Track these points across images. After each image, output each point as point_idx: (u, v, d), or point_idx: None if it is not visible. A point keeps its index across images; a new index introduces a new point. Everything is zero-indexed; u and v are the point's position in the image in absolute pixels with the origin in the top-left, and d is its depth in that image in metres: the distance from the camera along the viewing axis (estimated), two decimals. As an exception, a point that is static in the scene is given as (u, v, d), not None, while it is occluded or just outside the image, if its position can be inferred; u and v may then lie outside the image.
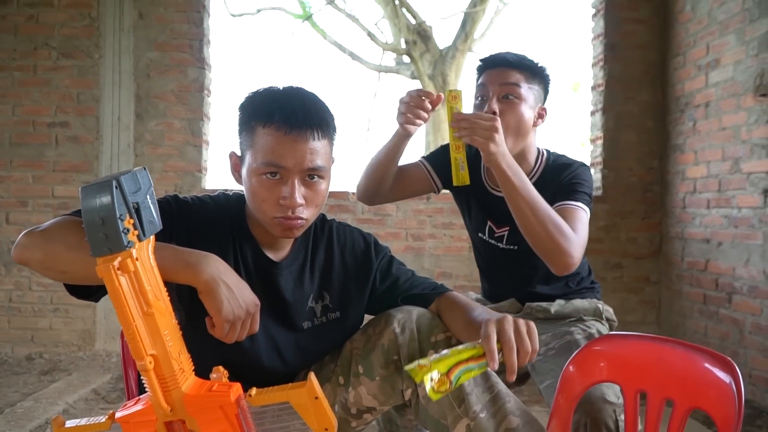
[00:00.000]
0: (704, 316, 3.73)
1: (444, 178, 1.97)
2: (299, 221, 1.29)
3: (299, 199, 1.27)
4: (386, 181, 1.92)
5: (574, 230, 1.67)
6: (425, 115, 1.73)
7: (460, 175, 1.73)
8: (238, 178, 1.36)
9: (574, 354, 1.58)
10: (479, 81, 1.83)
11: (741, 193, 3.39)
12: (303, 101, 1.30)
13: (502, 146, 1.62)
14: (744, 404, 1.27)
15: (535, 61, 1.83)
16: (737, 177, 3.42)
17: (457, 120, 1.64)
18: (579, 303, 1.92)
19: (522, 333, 1.18)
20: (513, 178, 1.63)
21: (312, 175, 1.29)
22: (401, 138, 1.81)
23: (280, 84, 1.35)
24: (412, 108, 1.72)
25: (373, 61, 9.25)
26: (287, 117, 1.26)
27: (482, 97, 1.81)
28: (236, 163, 1.36)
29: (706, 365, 1.38)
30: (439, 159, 1.98)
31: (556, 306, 1.89)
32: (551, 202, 1.73)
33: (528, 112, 1.79)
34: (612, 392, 1.57)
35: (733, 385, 1.29)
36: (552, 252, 1.64)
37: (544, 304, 1.89)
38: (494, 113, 1.73)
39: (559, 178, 1.81)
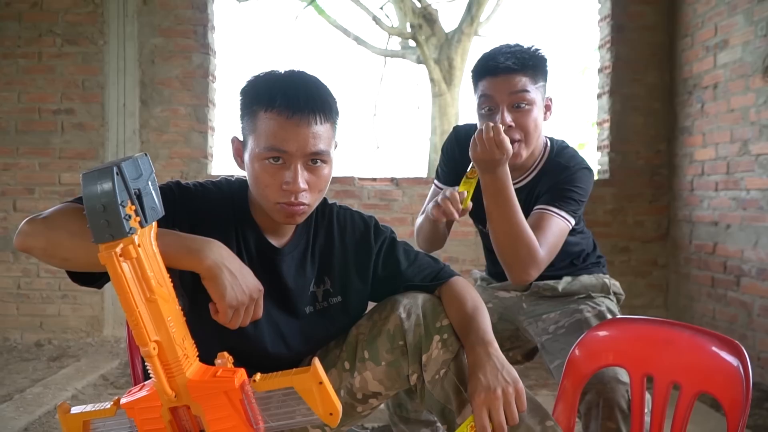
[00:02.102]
0: (712, 299, 3.72)
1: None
2: (302, 207, 1.29)
3: (302, 184, 1.26)
4: (444, 238, 1.97)
5: (543, 243, 1.69)
6: (456, 216, 1.68)
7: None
8: (240, 163, 1.35)
9: (580, 338, 1.57)
10: (482, 90, 1.76)
11: (749, 175, 3.37)
12: (305, 85, 1.29)
13: (502, 167, 1.63)
14: (752, 387, 1.27)
15: (531, 52, 1.75)
16: (746, 159, 3.39)
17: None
18: (586, 279, 1.91)
19: (512, 409, 1.24)
20: (497, 196, 1.66)
21: (315, 159, 1.28)
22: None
23: (282, 68, 1.34)
24: (448, 209, 1.66)
25: (378, 45, 9.20)
26: (289, 101, 1.25)
27: (490, 107, 1.75)
28: (238, 148, 1.35)
29: (714, 349, 1.37)
30: (449, 176, 1.96)
31: (563, 283, 1.88)
32: (540, 196, 1.78)
33: (540, 113, 1.76)
34: (623, 373, 1.56)
35: (741, 368, 1.29)
36: (513, 266, 1.70)
37: (551, 282, 1.88)
38: (509, 126, 1.70)
39: (556, 177, 1.79)
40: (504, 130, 1.70)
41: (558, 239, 1.74)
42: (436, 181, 2.02)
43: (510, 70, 1.71)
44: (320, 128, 1.27)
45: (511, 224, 1.65)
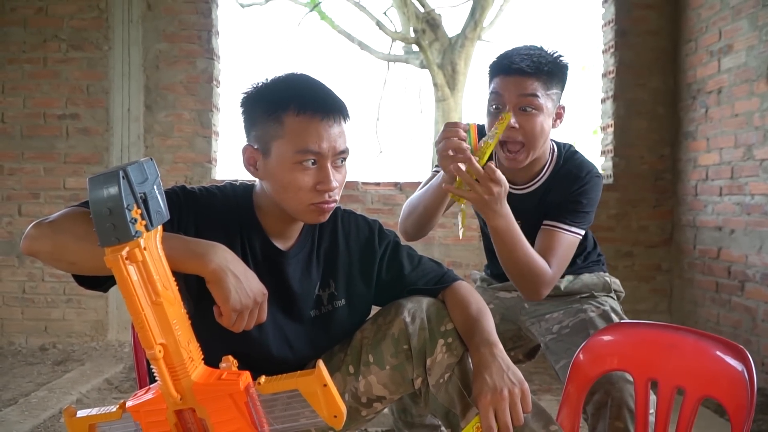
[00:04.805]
0: (716, 304, 3.71)
1: None
2: (333, 204, 1.32)
3: (334, 183, 1.30)
4: (435, 222, 1.88)
5: (552, 263, 1.70)
6: (465, 145, 1.56)
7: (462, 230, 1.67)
8: (254, 171, 1.34)
9: (585, 343, 1.57)
10: (493, 87, 1.75)
11: (754, 180, 3.36)
12: (324, 87, 1.33)
13: (499, 204, 1.57)
14: (756, 393, 1.26)
15: (551, 58, 1.73)
16: (750, 164, 3.39)
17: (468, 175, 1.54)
18: (588, 278, 1.91)
19: (517, 410, 1.24)
20: (503, 236, 1.63)
21: (341, 158, 1.32)
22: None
23: (284, 72, 1.35)
24: (452, 141, 1.55)
25: (382, 50, 9.22)
26: (319, 103, 1.28)
27: (497, 106, 1.73)
28: (252, 156, 1.33)
29: (718, 353, 1.37)
30: None
31: (565, 282, 1.88)
32: (551, 209, 1.78)
33: (547, 120, 1.73)
34: (629, 376, 1.56)
35: (746, 373, 1.29)
36: (523, 289, 1.73)
37: None
38: (513, 128, 1.69)
39: (568, 189, 1.79)
40: (508, 131, 1.70)
41: (568, 254, 1.76)
42: (436, 168, 1.93)
43: (522, 73, 1.69)
44: (344, 127, 1.31)
45: (517, 255, 1.66)
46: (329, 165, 1.29)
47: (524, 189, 1.86)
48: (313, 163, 1.28)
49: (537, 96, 1.69)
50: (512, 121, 1.69)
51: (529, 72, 1.69)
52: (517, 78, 1.70)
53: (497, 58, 1.77)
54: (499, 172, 1.52)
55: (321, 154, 1.28)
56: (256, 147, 1.32)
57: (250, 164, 1.34)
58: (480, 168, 1.52)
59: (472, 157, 1.53)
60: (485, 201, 1.54)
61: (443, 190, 1.66)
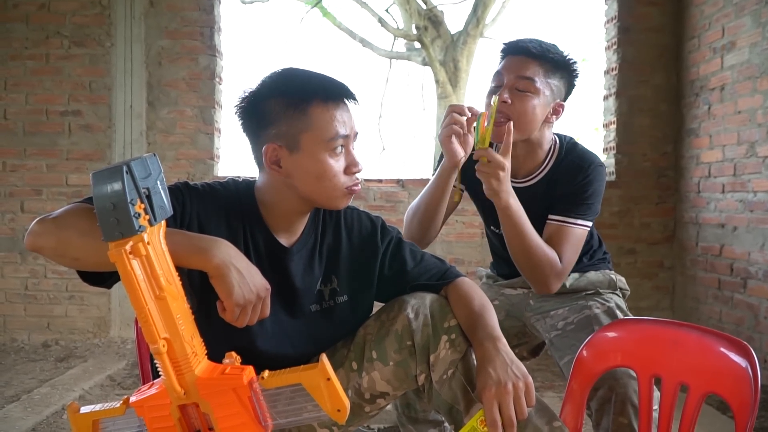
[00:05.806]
0: (719, 301, 3.71)
1: (465, 181, 1.89)
2: (360, 185, 1.38)
3: (361, 163, 1.35)
4: (439, 221, 1.85)
5: (562, 256, 1.73)
6: (462, 121, 1.63)
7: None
8: (277, 170, 1.32)
9: (588, 339, 1.57)
10: (498, 67, 1.80)
11: (756, 177, 3.36)
12: (328, 75, 1.36)
13: (503, 185, 1.62)
14: (760, 390, 1.26)
15: (562, 54, 1.77)
16: (753, 161, 3.38)
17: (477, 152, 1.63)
18: (593, 275, 1.91)
19: (521, 403, 1.24)
20: (511, 217, 1.67)
21: (355, 139, 1.37)
22: (447, 172, 1.72)
23: (279, 68, 1.36)
24: (455, 117, 1.63)
25: (384, 47, 9.22)
26: (338, 89, 1.32)
27: (497, 85, 1.77)
28: (275, 154, 1.32)
29: (722, 349, 1.37)
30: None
31: (571, 280, 1.88)
32: (556, 203, 1.78)
33: (541, 106, 1.74)
34: (633, 372, 1.56)
35: (749, 369, 1.28)
36: (533, 280, 1.75)
37: None
38: (504, 102, 1.72)
39: (572, 181, 1.80)
40: (498, 107, 1.72)
41: (577, 247, 1.78)
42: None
43: (528, 53, 1.74)
44: (356, 109, 1.36)
45: (528, 241, 1.68)
46: (351, 147, 1.35)
47: (525, 182, 1.86)
48: (342, 149, 1.32)
49: (534, 80, 1.73)
50: (505, 95, 1.72)
51: (533, 53, 1.73)
52: (520, 58, 1.74)
53: (508, 41, 1.82)
54: (494, 153, 1.58)
55: (347, 138, 1.33)
56: (279, 144, 1.31)
57: (273, 163, 1.32)
58: (494, 155, 1.58)
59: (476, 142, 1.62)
60: (492, 184, 1.60)
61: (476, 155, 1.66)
